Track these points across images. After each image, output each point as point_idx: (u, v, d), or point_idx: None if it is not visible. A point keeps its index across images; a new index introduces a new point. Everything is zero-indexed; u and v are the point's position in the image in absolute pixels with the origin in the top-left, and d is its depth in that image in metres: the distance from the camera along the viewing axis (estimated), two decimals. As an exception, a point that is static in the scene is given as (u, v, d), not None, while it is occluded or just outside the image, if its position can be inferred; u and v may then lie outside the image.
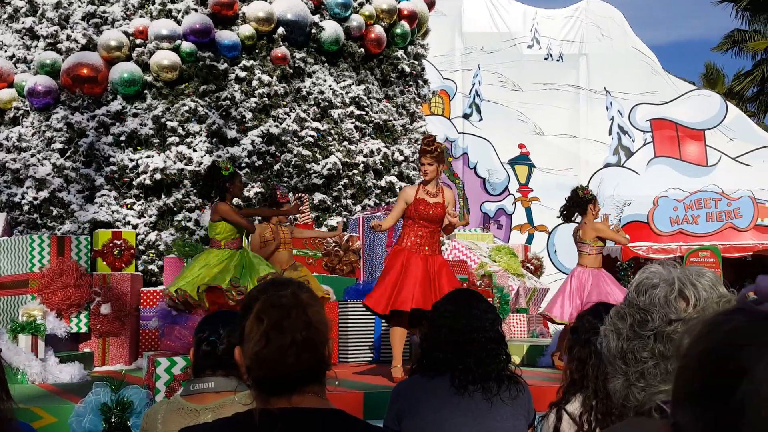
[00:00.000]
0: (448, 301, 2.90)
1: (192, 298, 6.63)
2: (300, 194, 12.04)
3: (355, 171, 12.82)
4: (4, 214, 11.20)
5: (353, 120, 13.15)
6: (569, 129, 20.76)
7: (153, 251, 11.19)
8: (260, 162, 12.08)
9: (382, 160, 13.19)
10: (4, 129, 12.07)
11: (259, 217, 8.60)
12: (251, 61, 12.32)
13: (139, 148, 11.70)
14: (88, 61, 11.80)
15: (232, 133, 11.97)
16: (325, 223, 12.23)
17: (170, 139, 11.71)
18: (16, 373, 6.94)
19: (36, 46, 12.32)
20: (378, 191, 12.98)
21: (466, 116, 20.97)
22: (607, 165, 20.41)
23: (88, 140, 11.67)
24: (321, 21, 13.07)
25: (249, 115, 12.10)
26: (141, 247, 11.10)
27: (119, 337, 9.17)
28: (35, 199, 11.51)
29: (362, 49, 13.57)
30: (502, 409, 2.73)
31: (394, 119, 13.82)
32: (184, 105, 11.83)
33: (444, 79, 20.81)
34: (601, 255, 8.15)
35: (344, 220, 11.96)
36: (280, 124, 12.28)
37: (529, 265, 15.75)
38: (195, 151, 11.72)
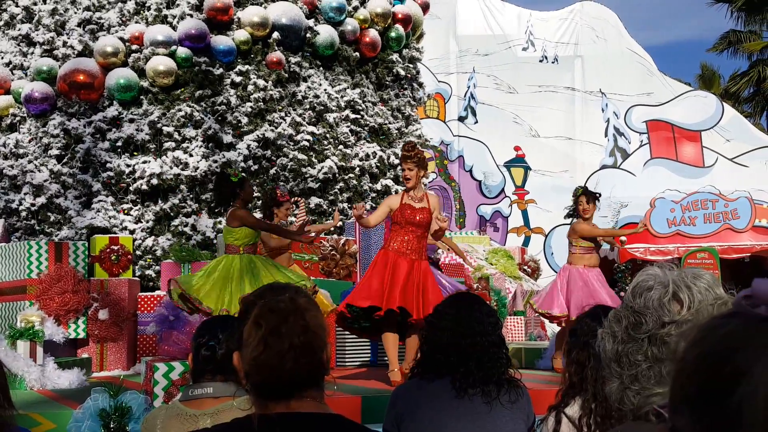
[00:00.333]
0: (450, 305, 2.90)
1: (196, 300, 6.63)
2: (296, 198, 12.05)
3: (351, 175, 12.83)
4: (2, 221, 11.18)
5: (348, 124, 13.16)
6: (565, 131, 20.79)
7: (150, 256, 11.19)
8: (256, 166, 12.08)
9: (378, 164, 13.20)
10: (1, 135, 12.07)
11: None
12: (246, 66, 12.33)
13: (135, 153, 11.71)
14: (84, 67, 11.81)
15: (228, 138, 11.98)
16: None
17: (166, 145, 11.72)
18: (14, 379, 6.93)
19: (32, 52, 12.32)
20: (374, 194, 12.99)
21: (461, 119, 20.99)
22: (604, 167, 20.44)
23: (85, 146, 11.67)
24: (316, 25, 13.09)
25: (245, 120, 12.11)
26: (138, 253, 11.09)
27: (117, 342, 9.16)
28: (33, 205, 11.50)
29: (357, 53, 13.59)
30: (502, 412, 2.73)
31: (390, 123, 13.84)
32: (180, 110, 11.84)
33: (439, 82, 20.83)
34: (590, 255, 8.12)
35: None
36: (276, 128, 12.28)
37: (526, 267, 15.75)
38: (191, 156, 11.73)
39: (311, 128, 12.67)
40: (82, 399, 4.92)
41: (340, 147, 12.93)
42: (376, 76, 13.97)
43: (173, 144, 11.74)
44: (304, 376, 1.62)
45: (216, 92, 12.15)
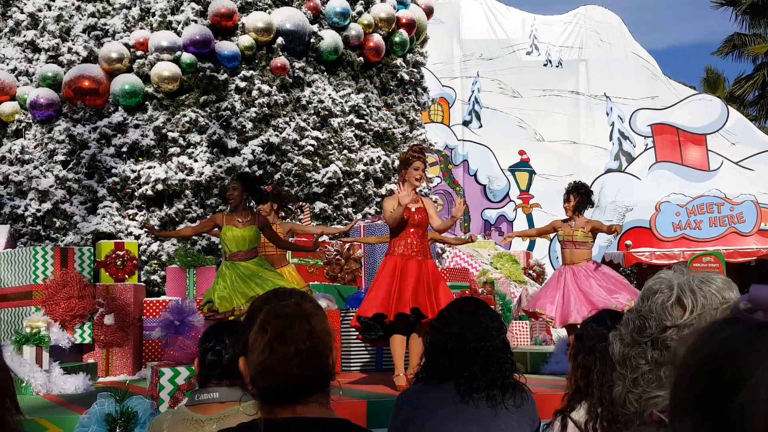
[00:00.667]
0: (454, 309, 2.90)
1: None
2: (301, 203, 12.06)
3: (356, 179, 12.84)
4: (8, 227, 11.21)
5: (353, 128, 13.17)
6: (569, 135, 20.78)
7: (155, 261, 11.21)
8: (261, 171, 12.09)
9: (383, 168, 13.21)
10: (7, 142, 12.11)
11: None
12: (251, 71, 12.36)
13: (140, 159, 11.73)
14: (89, 73, 11.84)
15: (232, 143, 12.00)
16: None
17: (171, 150, 11.74)
18: (20, 384, 6.94)
19: (38, 58, 12.36)
20: (379, 199, 12.99)
21: (465, 123, 20.99)
22: (609, 171, 20.42)
23: (90, 152, 11.70)
24: (320, 30, 13.11)
25: (249, 125, 12.13)
26: (143, 258, 11.11)
27: (123, 347, 9.17)
28: (38, 210, 11.53)
29: (361, 58, 13.61)
30: (507, 417, 2.73)
31: (394, 127, 13.85)
32: (184, 116, 11.87)
33: (443, 86, 20.84)
34: (570, 251, 8.16)
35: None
36: (280, 133, 12.30)
37: (531, 271, 15.74)
38: (196, 161, 11.75)
39: (316, 133, 12.68)
40: (88, 404, 4.92)
41: (345, 152, 12.94)
42: (380, 81, 13.98)
43: (178, 149, 11.76)
44: (310, 381, 1.62)
45: (220, 98, 12.17)
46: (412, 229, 6.61)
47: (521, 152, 20.72)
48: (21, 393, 6.88)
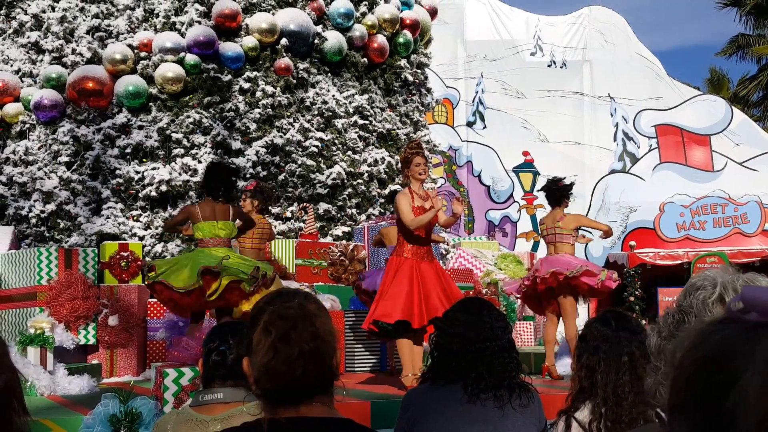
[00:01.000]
0: (459, 310, 2.90)
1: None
2: (305, 204, 12.07)
3: (360, 180, 12.84)
4: (12, 228, 11.23)
5: (357, 129, 13.18)
6: (573, 136, 20.75)
7: (159, 263, 11.22)
8: (265, 172, 12.10)
9: (386, 169, 13.21)
10: (11, 143, 12.13)
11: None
12: (255, 72, 12.36)
13: (144, 160, 11.75)
14: (93, 74, 11.86)
15: (236, 144, 12.01)
16: (330, 232, 12.24)
17: (175, 151, 11.76)
18: (25, 385, 6.95)
19: (41, 60, 12.39)
20: (382, 200, 12.99)
21: (469, 124, 20.98)
22: (613, 171, 20.38)
23: (94, 153, 11.71)
24: (324, 31, 13.12)
25: (253, 126, 12.14)
26: (148, 259, 11.12)
27: (127, 348, 9.18)
28: (42, 212, 11.55)
29: (365, 59, 13.61)
30: (514, 417, 2.73)
31: (398, 128, 13.85)
32: (188, 117, 11.88)
33: (447, 87, 20.83)
34: (553, 245, 8.22)
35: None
36: (284, 134, 12.31)
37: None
38: (200, 162, 11.76)
39: (320, 134, 12.69)
40: (93, 405, 4.93)
41: (349, 153, 12.94)
42: (384, 82, 13.98)
43: (182, 150, 11.78)
44: (314, 381, 1.63)
45: (224, 99, 12.19)
46: (423, 230, 6.58)
47: (525, 153, 20.70)
48: (26, 394, 6.88)
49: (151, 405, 4.78)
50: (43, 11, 12.59)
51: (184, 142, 11.81)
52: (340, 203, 12.60)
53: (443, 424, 2.72)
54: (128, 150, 11.74)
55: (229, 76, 12.25)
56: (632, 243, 17.50)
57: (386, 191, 13.06)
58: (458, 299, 6.24)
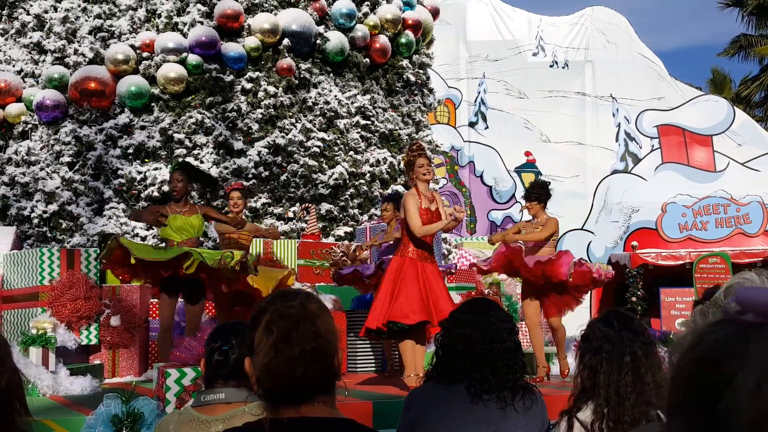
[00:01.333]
0: (466, 310, 2.89)
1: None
2: (307, 204, 12.07)
3: (362, 181, 12.84)
4: (14, 228, 11.24)
5: (359, 130, 13.17)
6: (575, 136, 20.72)
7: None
8: (267, 173, 12.11)
9: (389, 170, 13.21)
10: (13, 143, 12.14)
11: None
12: (257, 73, 12.37)
13: (146, 160, 11.75)
14: (95, 74, 11.87)
15: (238, 145, 12.01)
16: (332, 233, 12.24)
17: (177, 151, 11.76)
18: (27, 385, 6.95)
19: (44, 60, 12.40)
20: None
21: (471, 125, 20.96)
22: (615, 172, 20.36)
23: (96, 153, 11.72)
24: (326, 32, 13.12)
25: (255, 127, 12.14)
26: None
27: (129, 348, 9.18)
28: (44, 212, 11.56)
29: (367, 59, 13.61)
30: (516, 419, 2.72)
31: (400, 128, 13.84)
32: (190, 117, 11.89)
33: (449, 87, 20.81)
34: (533, 249, 8.20)
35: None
36: (287, 134, 12.31)
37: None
38: (202, 162, 11.77)
39: (322, 134, 12.69)
40: (95, 405, 4.93)
41: (351, 153, 12.94)
42: (386, 82, 13.98)
43: (184, 151, 11.78)
44: (315, 381, 1.62)
45: (226, 99, 12.19)
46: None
47: (527, 153, 20.68)
48: (28, 394, 6.89)
49: (153, 405, 4.78)
50: (46, 11, 12.60)
51: (186, 142, 11.81)
52: (342, 204, 12.60)
53: (445, 424, 2.72)
54: (130, 150, 11.75)
55: (231, 77, 12.25)
56: (634, 243, 17.48)
57: (388, 192, 13.06)
58: (453, 301, 6.27)
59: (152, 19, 12.55)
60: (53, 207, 11.54)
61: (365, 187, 12.85)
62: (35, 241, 11.50)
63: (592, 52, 21.15)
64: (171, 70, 11.88)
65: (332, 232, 12.24)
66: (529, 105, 20.77)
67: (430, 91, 15.15)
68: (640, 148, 20.51)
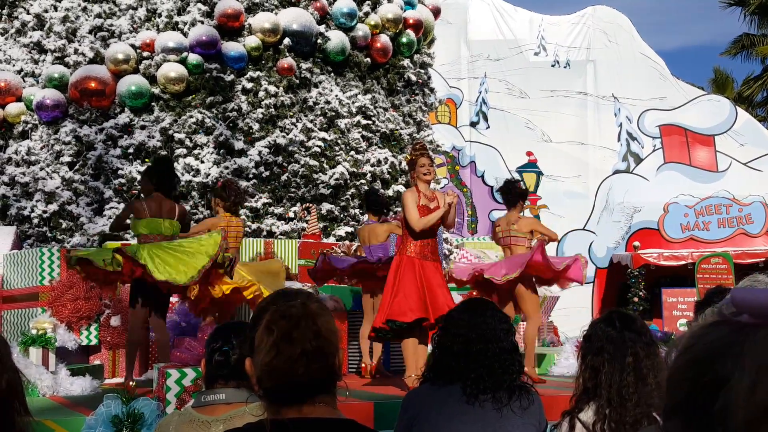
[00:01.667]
0: (463, 311, 2.88)
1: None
2: (307, 204, 12.06)
3: (363, 180, 12.82)
4: (14, 228, 11.23)
5: (360, 129, 13.16)
6: (577, 136, 20.72)
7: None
8: (267, 173, 12.10)
9: (390, 170, 13.19)
10: (13, 143, 12.13)
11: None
12: (257, 72, 12.36)
13: (147, 160, 11.74)
14: (95, 74, 11.86)
15: (239, 144, 12.00)
16: (333, 233, 12.23)
17: (178, 151, 11.75)
18: (27, 386, 6.93)
19: (44, 60, 12.39)
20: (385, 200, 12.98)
21: (473, 124, 20.95)
22: (617, 172, 20.35)
23: (97, 153, 11.71)
24: (327, 31, 13.10)
25: (256, 126, 12.13)
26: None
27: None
28: (44, 212, 11.55)
29: (368, 59, 13.60)
30: (513, 419, 2.71)
31: (401, 128, 13.83)
32: (191, 117, 11.88)
33: (450, 87, 20.81)
34: (509, 248, 8.22)
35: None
36: (287, 134, 12.30)
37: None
38: (202, 162, 11.76)
39: (322, 134, 12.67)
40: (95, 405, 4.92)
41: (352, 153, 12.93)
42: (387, 82, 13.97)
43: (185, 150, 11.77)
44: (316, 381, 1.61)
45: (227, 99, 12.18)
46: (429, 230, 6.59)
47: (528, 153, 20.67)
48: (28, 394, 6.86)
49: (153, 406, 4.77)
50: (46, 11, 12.59)
51: (187, 142, 11.80)
52: (343, 203, 12.59)
53: (442, 424, 2.71)
54: (130, 150, 11.73)
55: (232, 76, 12.24)
56: (636, 243, 17.46)
57: (389, 191, 13.04)
58: (452, 299, 6.28)
59: (152, 19, 12.54)
60: (53, 207, 11.53)
61: (366, 187, 12.83)
62: (35, 241, 11.49)
63: (594, 52, 21.15)
64: (171, 69, 11.87)
65: (333, 232, 12.22)
66: (531, 105, 20.76)
67: (432, 90, 15.14)
68: (642, 148, 20.51)
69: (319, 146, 12.53)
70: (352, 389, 6.39)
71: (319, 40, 12.99)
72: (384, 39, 13.76)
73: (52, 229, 11.56)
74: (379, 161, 13.10)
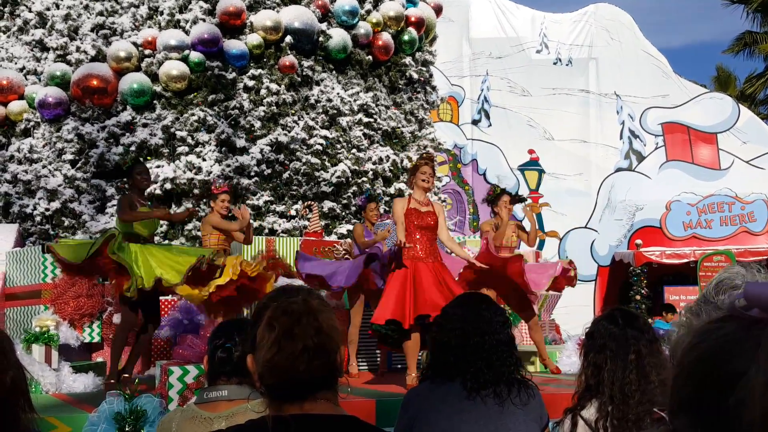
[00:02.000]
0: (457, 305, 2.89)
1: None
2: (309, 202, 12.05)
3: (365, 178, 12.82)
4: (16, 225, 11.24)
5: (362, 127, 13.15)
6: (579, 134, 20.69)
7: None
8: (269, 170, 12.09)
9: (391, 168, 13.19)
10: (16, 141, 12.14)
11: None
12: (259, 70, 12.35)
13: (149, 158, 11.74)
14: (97, 72, 11.86)
15: (241, 142, 12.00)
16: (335, 231, 12.23)
17: (180, 149, 11.75)
18: (30, 383, 6.94)
19: (46, 57, 12.39)
20: (387, 198, 12.96)
21: (474, 122, 20.93)
22: (619, 169, 20.32)
23: (99, 151, 11.72)
24: (328, 29, 13.09)
25: (258, 124, 12.12)
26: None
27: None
28: (47, 210, 11.56)
29: (370, 57, 13.58)
30: (515, 414, 2.71)
31: (403, 126, 13.82)
32: (193, 115, 11.87)
33: (452, 85, 20.79)
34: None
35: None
36: (289, 132, 12.29)
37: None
38: (204, 160, 11.76)
39: (324, 132, 12.67)
40: (98, 403, 4.93)
41: (353, 151, 12.92)
42: (389, 80, 13.95)
43: (186, 148, 11.77)
44: (318, 377, 1.61)
45: (229, 96, 12.17)
46: (422, 232, 6.66)
47: (531, 151, 20.65)
48: (31, 391, 6.88)
49: (155, 403, 4.78)
50: (48, 9, 12.60)
51: (189, 140, 11.80)
52: (345, 201, 12.58)
53: (443, 422, 2.70)
54: (133, 148, 11.74)
55: (234, 74, 12.24)
56: (638, 241, 17.44)
57: (391, 189, 13.04)
58: (456, 293, 6.30)
59: (154, 17, 12.54)
60: (56, 204, 11.54)
61: (368, 185, 12.83)
62: (38, 238, 11.50)
63: (596, 50, 21.11)
64: (173, 67, 11.87)
65: (335, 230, 12.22)
66: (533, 102, 20.73)
67: (433, 88, 15.12)
68: (645, 145, 20.47)
69: (321, 144, 12.53)
70: (355, 387, 6.41)
71: (320, 38, 12.98)
72: (386, 37, 13.74)
73: (55, 227, 11.57)
74: (380, 159, 13.10)
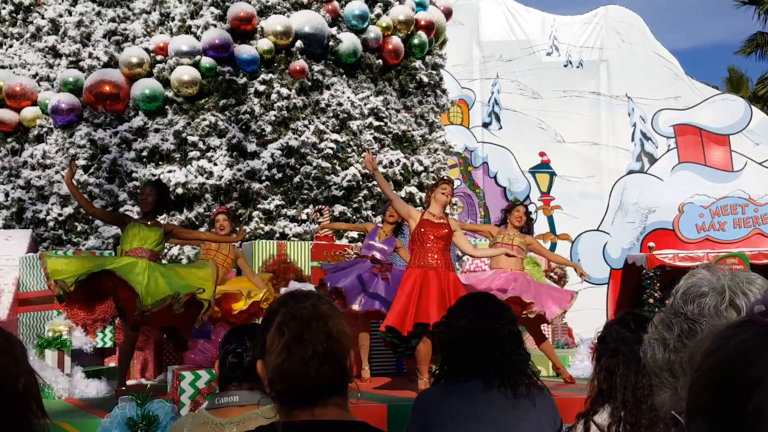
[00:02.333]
0: (462, 304, 2.90)
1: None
2: (320, 206, 12.06)
3: (375, 182, 12.82)
4: (29, 231, 11.30)
5: (372, 131, 13.16)
6: (590, 136, 20.61)
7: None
8: (280, 175, 12.12)
9: (402, 171, 13.18)
10: (29, 146, 12.21)
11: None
12: (270, 75, 12.38)
13: (160, 163, 11.79)
14: (110, 78, 11.92)
15: (252, 147, 12.03)
16: (345, 234, 12.23)
17: (191, 154, 11.79)
18: (43, 388, 6.96)
19: (59, 64, 12.47)
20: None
21: (485, 125, 20.89)
22: (631, 172, 20.23)
23: (111, 156, 11.77)
24: (338, 33, 13.11)
25: (268, 129, 12.15)
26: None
27: (144, 351, 9.21)
28: (60, 215, 11.62)
29: (380, 61, 13.59)
30: (528, 416, 2.70)
31: (413, 130, 13.81)
32: (204, 119, 11.91)
33: (462, 88, 20.75)
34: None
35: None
36: (300, 136, 12.31)
37: (552, 274, 15.62)
38: (216, 165, 11.79)
39: (335, 136, 12.68)
40: (110, 408, 4.94)
41: (364, 154, 12.92)
42: (399, 83, 13.95)
43: (198, 153, 11.81)
44: (328, 383, 1.61)
45: (240, 101, 12.21)
46: (433, 242, 6.71)
47: (542, 154, 20.58)
48: (44, 397, 6.90)
49: (167, 408, 4.78)
50: (60, 15, 12.67)
51: (200, 144, 11.84)
52: (356, 205, 12.59)
53: (456, 424, 2.69)
54: (144, 153, 11.79)
55: (245, 79, 12.27)
56: (651, 244, 17.35)
57: (402, 193, 13.03)
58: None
59: (166, 23, 12.59)
60: (68, 210, 11.60)
61: (378, 189, 12.83)
62: (51, 244, 11.56)
63: (607, 52, 21.03)
64: (184, 72, 11.92)
65: (345, 234, 12.23)
66: (544, 105, 20.67)
67: (443, 92, 15.11)
68: (656, 147, 20.37)
69: (332, 148, 12.54)
70: (365, 392, 6.40)
71: (330, 43, 13.00)
72: (396, 41, 13.75)
73: (68, 232, 11.63)
74: (391, 162, 13.10)
